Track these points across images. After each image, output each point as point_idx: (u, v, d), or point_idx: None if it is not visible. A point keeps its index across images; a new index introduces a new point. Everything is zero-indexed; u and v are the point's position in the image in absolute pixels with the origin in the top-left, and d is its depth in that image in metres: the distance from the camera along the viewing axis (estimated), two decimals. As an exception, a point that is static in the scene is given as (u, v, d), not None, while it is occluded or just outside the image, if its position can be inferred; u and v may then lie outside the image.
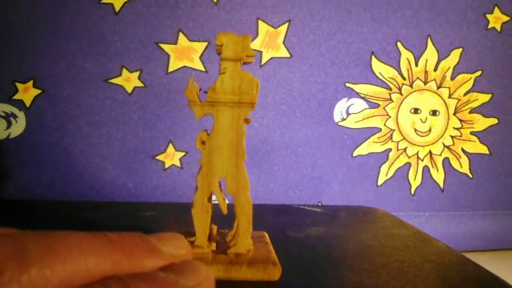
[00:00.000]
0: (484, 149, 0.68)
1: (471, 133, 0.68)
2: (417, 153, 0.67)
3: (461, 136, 0.68)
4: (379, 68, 0.64)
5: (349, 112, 0.65)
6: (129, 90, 0.60)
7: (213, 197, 0.31)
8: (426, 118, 0.66)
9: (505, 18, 0.66)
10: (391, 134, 0.66)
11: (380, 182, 0.67)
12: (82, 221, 0.44)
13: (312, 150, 0.64)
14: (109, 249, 0.15)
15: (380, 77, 0.64)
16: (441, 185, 0.68)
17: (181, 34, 0.59)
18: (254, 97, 0.29)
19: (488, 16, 0.66)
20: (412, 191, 0.67)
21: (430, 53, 0.65)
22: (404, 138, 0.66)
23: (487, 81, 0.67)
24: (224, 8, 0.60)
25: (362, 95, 0.64)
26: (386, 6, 0.63)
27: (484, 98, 0.68)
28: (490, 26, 0.66)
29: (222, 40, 0.29)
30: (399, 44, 0.64)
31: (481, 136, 0.68)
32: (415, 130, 0.66)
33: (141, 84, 0.60)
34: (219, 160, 0.29)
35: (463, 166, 0.68)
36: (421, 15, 0.64)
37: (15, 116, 0.58)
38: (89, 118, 0.60)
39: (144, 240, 0.16)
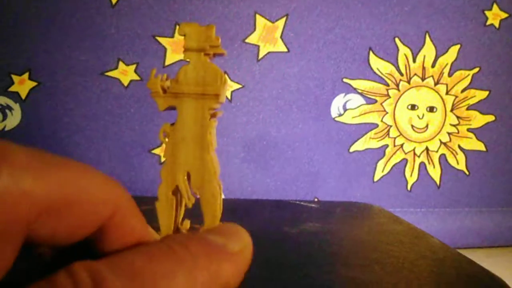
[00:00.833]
0: (481, 146, 0.68)
1: (468, 130, 0.68)
2: (413, 149, 0.67)
3: (458, 132, 0.68)
4: (377, 63, 0.64)
5: (346, 107, 0.64)
6: (126, 83, 0.59)
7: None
8: (423, 115, 0.66)
9: (504, 15, 0.66)
10: (388, 130, 0.66)
11: (376, 178, 0.66)
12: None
13: (308, 145, 0.64)
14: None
15: (378, 72, 0.64)
16: (438, 182, 0.68)
17: (178, 27, 0.59)
18: (219, 89, 0.27)
19: (486, 12, 0.66)
20: (409, 187, 0.67)
21: (428, 49, 0.65)
22: (401, 134, 0.66)
23: (484, 78, 0.67)
24: (221, 2, 0.60)
25: (359, 91, 0.64)
26: (384, 2, 0.63)
27: (481, 95, 0.67)
28: (488, 22, 0.66)
29: (185, 30, 0.28)
30: (397, 40, 0.64)
31: (478, 133, 0.68)
32: (412, 126, 0.66)
33: (137, 78, 0.60)
34: (183, 153, 0.28)
35: (459, 162, 0.68)
36: (419, 11, 0.64)
37: (10, 108, 0.58)
38: (85, 111, 0.59)
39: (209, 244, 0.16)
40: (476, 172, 0.69)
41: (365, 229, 0.43)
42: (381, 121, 0.66)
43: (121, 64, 0.59)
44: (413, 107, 0.66)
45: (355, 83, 0.64)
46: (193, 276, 0.14)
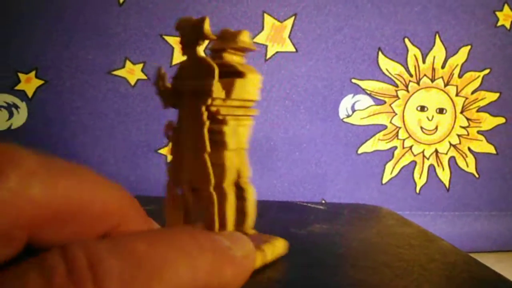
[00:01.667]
0: (491, 149, 0.67)
1: (478, 132, 0.67)
2: (423, 152, 0.66)
3: (468, 135, 0.67)
4: (386, 64, 0.63)
5: (355, 108, 0.64)
6: (132, 82, 0.59)
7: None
8: (433, 116, 0.65)
9: (515, 16, 0.65)
10: (397, 132, 0.65)
11: (385, 180, 0.66)
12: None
13: (316, 146, 0.64)
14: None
15: (387, 73, 0.63)
16: (447, 185, 0.67)
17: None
18: (210, 84, 0.26)
19: (497, 13, 0.65)
20: (417, 190, 0.67)
21: (438, 50, 0.64)
22: (410, 136, 0.65)
23: (495, 79, 0.66)
24: (229, 1, 0.59)
25: (368, 92, 0.64)
26: (394, 2, 0.62)
27: (492, 96, 0.67)
28: (499, 23, 0.65)
29: (179, 25, 0.27)
30: (406, 40, 0.63)
31: (488, 135, 0.67)
32: (421, 128, 0.65)
33: (144, 77, 0.59)
34: (183, 152, 0.28)
35: (469, 165, 0.67)
36: (429, 11, 0.63)
37: (16, 107, 0.57)
38: (92, 110, 0.59)
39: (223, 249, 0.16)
40: (486, 175, 0.68)
41: (373, 231, 0.42)
42: (390, 122, 0.65)
43: (128, 63, 0.59)
44: (422, 108, 0.65)
45: (363, 84, 0.63)
46: (196, 268, 0.13)
